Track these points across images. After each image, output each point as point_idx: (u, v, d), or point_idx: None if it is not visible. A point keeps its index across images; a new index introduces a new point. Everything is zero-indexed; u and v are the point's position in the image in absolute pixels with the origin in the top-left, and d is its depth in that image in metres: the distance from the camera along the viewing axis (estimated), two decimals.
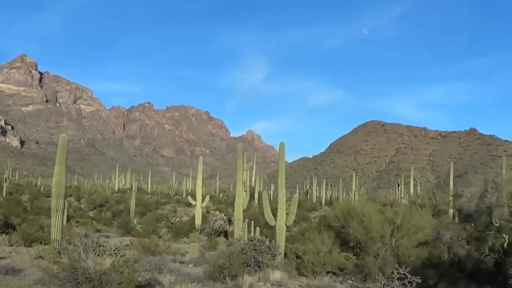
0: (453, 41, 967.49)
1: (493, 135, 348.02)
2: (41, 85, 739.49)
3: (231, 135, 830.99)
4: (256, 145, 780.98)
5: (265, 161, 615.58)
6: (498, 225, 25.14)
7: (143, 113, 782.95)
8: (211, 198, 72.27)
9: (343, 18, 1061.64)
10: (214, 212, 51.86)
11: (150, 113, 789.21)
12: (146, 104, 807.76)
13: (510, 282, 20.86)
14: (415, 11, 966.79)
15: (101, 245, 21.15)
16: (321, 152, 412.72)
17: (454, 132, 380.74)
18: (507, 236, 24.43)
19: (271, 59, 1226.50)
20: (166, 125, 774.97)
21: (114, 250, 21.36)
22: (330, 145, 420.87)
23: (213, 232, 46.07)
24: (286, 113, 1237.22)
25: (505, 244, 24.44)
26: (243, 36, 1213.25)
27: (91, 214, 63.85)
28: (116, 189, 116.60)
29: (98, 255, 19.83)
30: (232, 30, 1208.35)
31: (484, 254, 26.07)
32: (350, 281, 25.06)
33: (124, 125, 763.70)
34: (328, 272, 26.11)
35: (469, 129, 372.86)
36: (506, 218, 25.10)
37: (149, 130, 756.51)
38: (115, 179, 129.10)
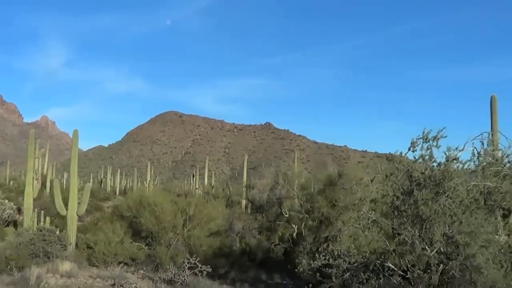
0: (252, 39, 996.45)
1: (287, 130, 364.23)
2: None
3: (24, 120, 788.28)
4: (50, 131, 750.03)
5: (59, 149, 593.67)
6: (288, 215, 25.97)
7: None
8: (0, 186, 68.29)
9: (148, 6, 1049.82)
10: (2, 201, 49.54)
11: None
12: None
13: (297, 270, 21.52)
14: (219, 6, 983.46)
15: None
16: (117, 141, 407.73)
17: (250, 125, 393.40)
18: (296, 226, 25.29)
19: (72, 44, 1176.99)
20: None
21: None
22: (126, 134, 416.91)
23: (1, 222, 43.89)
24: (84, 100, 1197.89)
25: (294, 234, 25.30)
26: (44, 18, 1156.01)
27: None
28: None
29: None
30: (33, 11, 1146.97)
31: (274, 243, 26.85)
32: (142, 271, 24.71)
33: None
34: (119, 263, 25.58)
35: (265, 123, 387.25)
36: (296, 209, 26.01)
37: None
38: None
